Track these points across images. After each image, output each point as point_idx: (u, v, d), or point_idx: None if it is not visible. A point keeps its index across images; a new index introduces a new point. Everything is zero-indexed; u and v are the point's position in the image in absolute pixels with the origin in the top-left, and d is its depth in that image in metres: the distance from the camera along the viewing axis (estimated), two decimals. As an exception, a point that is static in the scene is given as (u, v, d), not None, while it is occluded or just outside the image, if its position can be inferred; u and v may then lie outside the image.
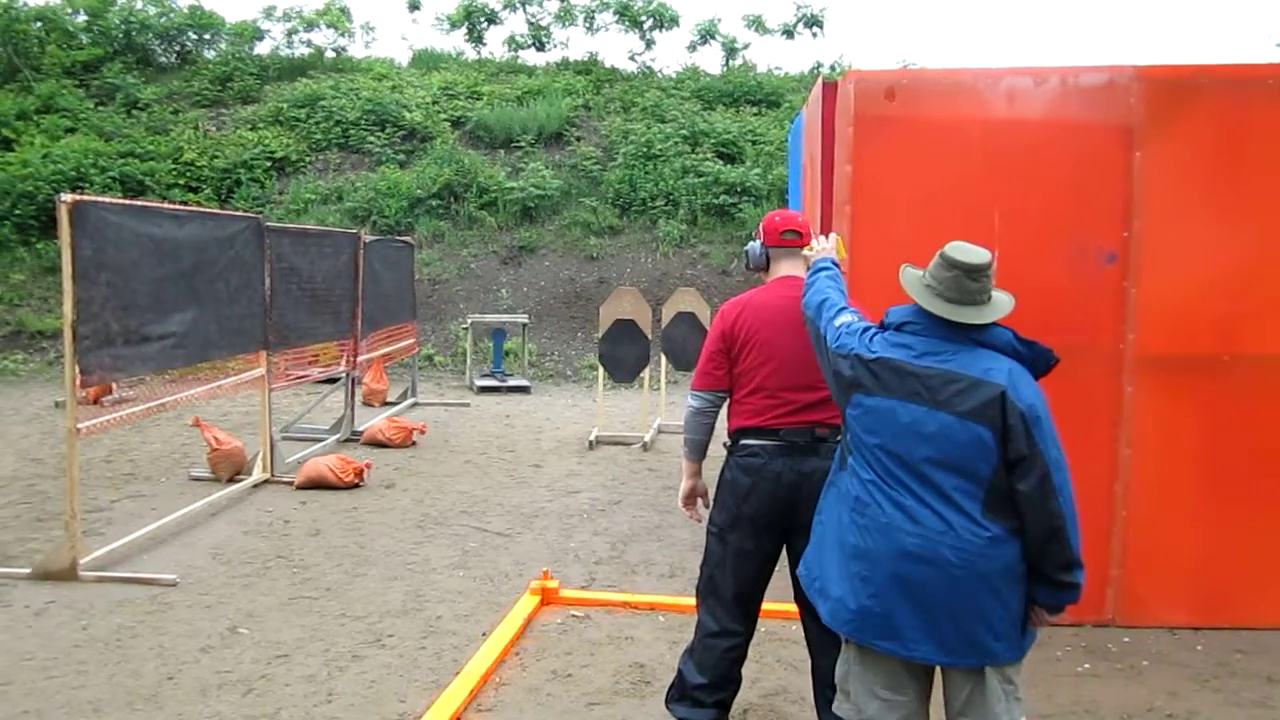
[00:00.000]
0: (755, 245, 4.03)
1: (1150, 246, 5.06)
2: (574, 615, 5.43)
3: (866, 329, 3.17)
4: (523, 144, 18.36)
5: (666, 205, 17.17)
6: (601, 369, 10.47)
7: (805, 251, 3.91)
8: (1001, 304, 3.06)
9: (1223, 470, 5.13)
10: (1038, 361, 3.03)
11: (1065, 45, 37.17)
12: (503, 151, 18.45)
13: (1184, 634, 5.17)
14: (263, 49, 22.30)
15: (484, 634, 5.10)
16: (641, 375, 10.51)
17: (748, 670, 4.69)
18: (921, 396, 2.96)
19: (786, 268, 3.96)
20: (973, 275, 2.99)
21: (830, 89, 5.28)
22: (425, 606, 5.56)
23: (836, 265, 3.74)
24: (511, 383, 13.50)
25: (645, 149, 17.88)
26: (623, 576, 6.12)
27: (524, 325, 14.26)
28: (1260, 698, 4.51)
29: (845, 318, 3.27)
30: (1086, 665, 4.82)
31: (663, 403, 11.32)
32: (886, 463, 3.02)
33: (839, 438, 3.89)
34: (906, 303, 3.15)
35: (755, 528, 3.80)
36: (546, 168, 17.85)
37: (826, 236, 4.01)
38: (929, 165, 5.15)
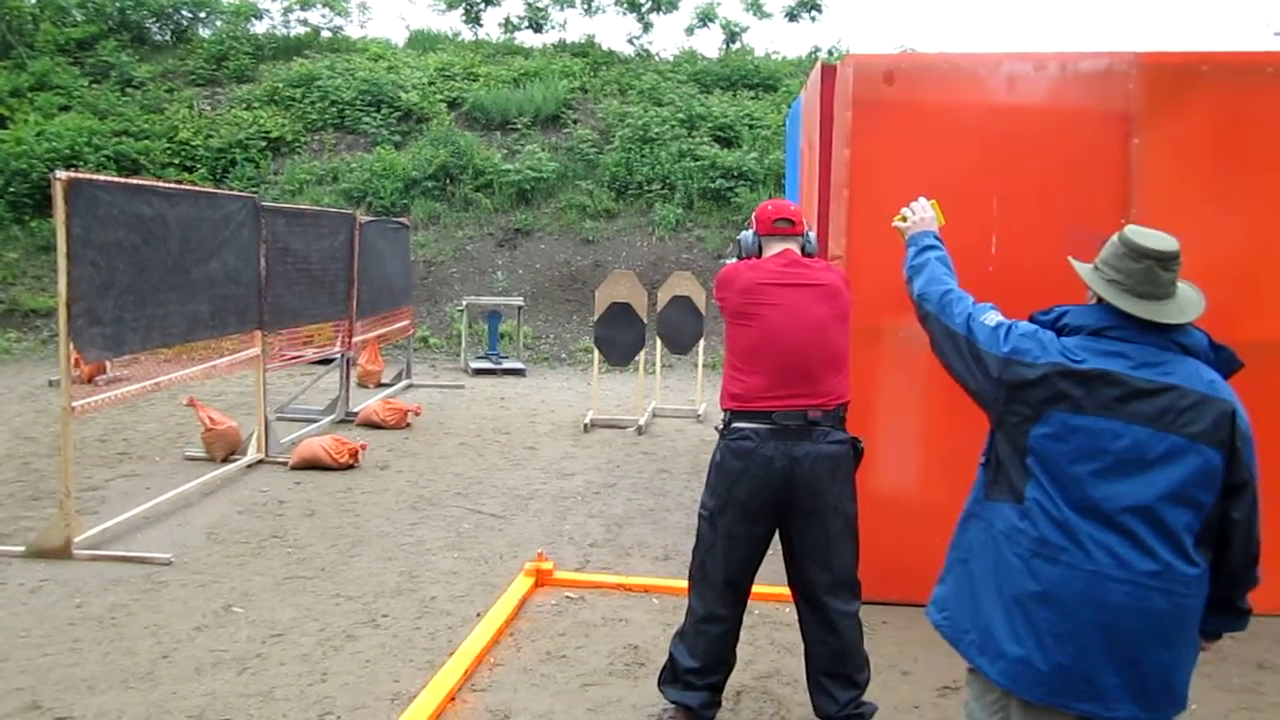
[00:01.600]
0: (748, 234, 4.02)
1: (1147, 233, 5.06)
2: (568, 597, 5.44)
3: (1038, 331, 2.74)
4: (519, 126, 18.30)
5: (663, 189, 17.13)
6: (597, 352, 10.46)
7: (897, 223, 3.46)
8: (1191, 295, 2.68)
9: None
10: (1224, 367, 2.67)
11: (1065, 30, 37.12)
12: (499, 133, 18.39)
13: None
14: (259, 28, 22.22)
15: (478, 615, 5.11)
16: (636, 358, 10.49)
17: (741, 652, 4.71)
18: (1147, 416, 2.53)
19: (778, 249, 3.96)
20: (1167, 264, 2.61)
21: (829, 73, 5.27)
22: (419, 587, 5.57)
23: (939, 240, 3.31)
24: (506, 365, 13.49)
25: (642, 132, 17.81)
26: (617, 559, 6.13)
27: (519, 308, 14.23)
28: (1251, 683, 4.53)
29: (996, 316, 2.86)
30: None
31: (657, 386, 11.32)
32: (1093, 495, 2.56)
33: (838, 423, 3.87)
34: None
35: (746, 512, 3.81)
36: (542, 150, 17.79)
37: (918, 203, 3.47)
38: (927, 150, 5.14)
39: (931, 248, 3.25)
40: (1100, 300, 2.71)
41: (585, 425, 9.94)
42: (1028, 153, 5.11)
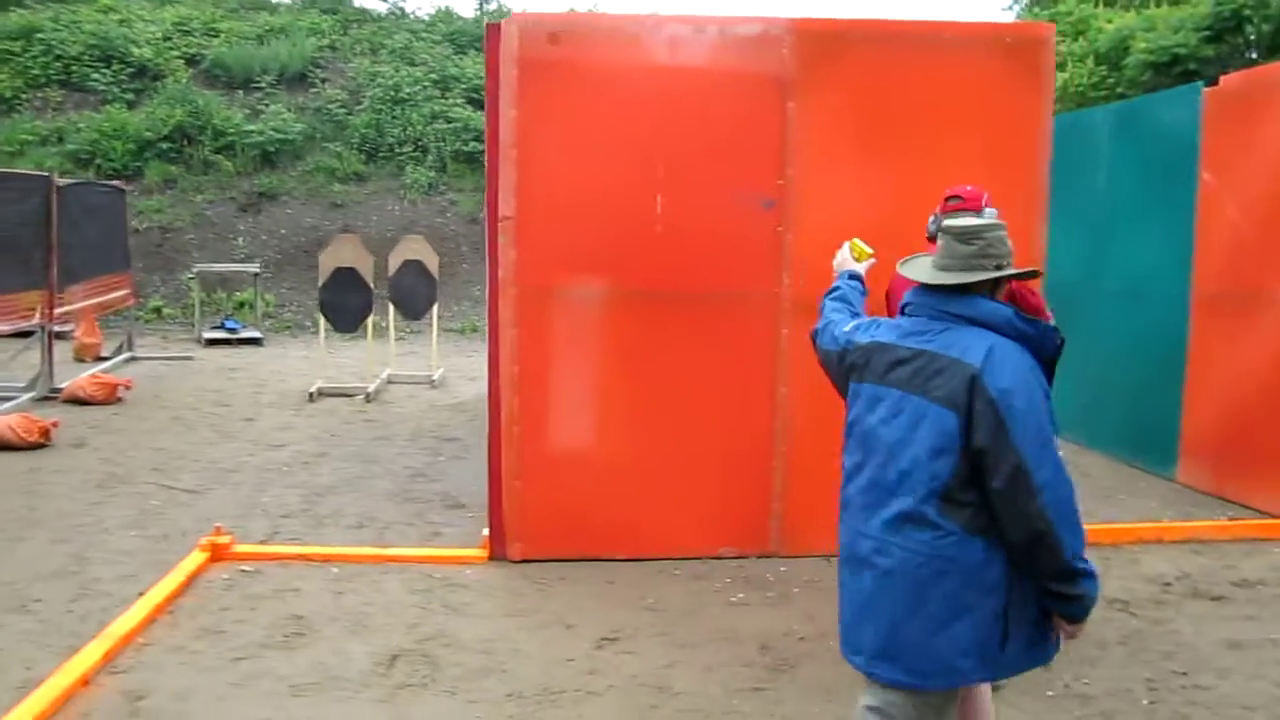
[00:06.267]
0: None
1: (804, 193, 5.26)
2: (243, 570, 5.26)
3: (875, 321, 2.96)
4: (263, 85, 17.55)
5: (415, 151, 16.82)
6: (323, 319, 10.17)
7: (835, 261, 3.63)
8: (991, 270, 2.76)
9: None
10: (1043, 341, 2.70)
11: None
12: (241, 93, 17.58)
13: (840, 561, 5.45)
14: (-27, -25, 20.41)
15: (140, 594, 4.89)
16: (365, 324, 10.26)
17: (409, 614, 4.74)
18: (901, 380, 2.70)
19: None
20: (963, 238, 2.74)
21: (494, 31, 5.22)
22: (85, 568, 5.28)
23: (857, 278, 3.44)
24: (243, 335, 12.97)
25: (393, 93, 17.41)
26: (308, 529, 5.98)
27: (255, 275, 13.68)
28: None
29: (847, 322, 3.05)
30: (741, 595, 5.04)
31: (392, 353, 11.11)
32: (861, 455, 2.76)
33: None
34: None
35: None
36: (288, 110, 17.14)
37: (842, 248, 3.65)
38: (594, 111, 5.18)
39: (831, 292, 3.37)
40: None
41: (311, 394, 9.66)
42: (691, 115, 5.20)
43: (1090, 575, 2.58)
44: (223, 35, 18.60)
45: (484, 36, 5.34)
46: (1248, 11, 12.93)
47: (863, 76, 5.27)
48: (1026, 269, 3.01)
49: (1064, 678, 4.13)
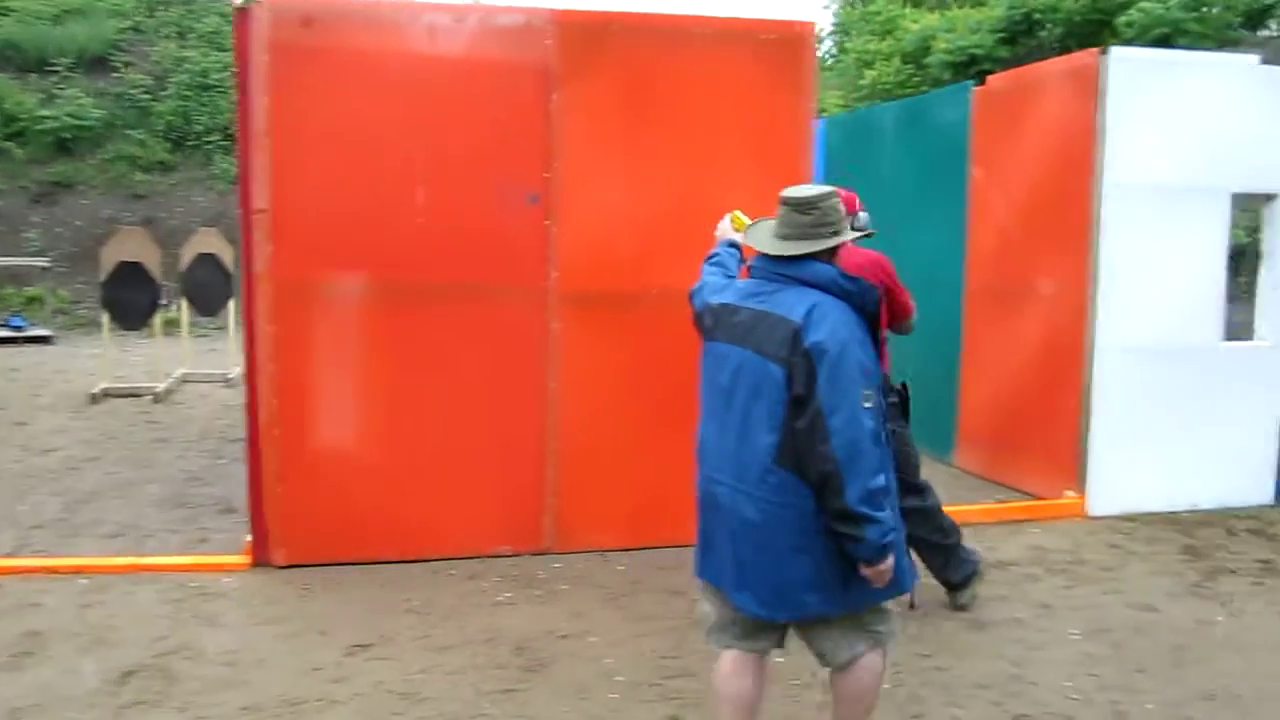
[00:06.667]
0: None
1: (569, 187, 5.22)
2: (-20, 587, 4.94)
3: (730, 284, 3.19)
4: (59, 68, 16.59)
5: (224, 140, 16.19)
6: (107, 316, 9.66)
7: (717, 231, 3.74)
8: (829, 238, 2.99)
9: (644, 397, 5.38)
10: (864, 298, 2.92)
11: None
12: (35, 76, 16.61)
13: (615, 555, 5.44)
14: None
15: None
16: (154, 321, 9.80)
17: (157, 626, 4.53)
18: (740, 337, 2.94)
19: None
20: (801, 209, 2.97)
21: (243, 15, 5.00)
22: None
23: (735, 246, 3.57)
24: (30, 333, 12.26)
25: (201, 78, 16.74)
26: (61, 539, 5.63)
27: (45, 269, 12.95)
28: (655, 611, 4.79)
29: (714, 286, 3.23)
30: (509, 594, 4.96)
31: (187, 350, 10.65)
32: (711, 406, 3.03)
33: None
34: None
35: None
36: (87, 95, 16.26)
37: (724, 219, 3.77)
38: (352, 99, 5.03)
39: (710, 258, 3.51)
40: None
41: (94, 395, 9.17)
42: (454, 106, 5.11)
43: (872, 521, 2.75)
44: (14, 15, 17.50)
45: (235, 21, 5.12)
46: (1038, 15, 13.54)
47: (627, 70, 5.26)
48: (864, 231, 3.34)
49: (810, 665, 4.19)
